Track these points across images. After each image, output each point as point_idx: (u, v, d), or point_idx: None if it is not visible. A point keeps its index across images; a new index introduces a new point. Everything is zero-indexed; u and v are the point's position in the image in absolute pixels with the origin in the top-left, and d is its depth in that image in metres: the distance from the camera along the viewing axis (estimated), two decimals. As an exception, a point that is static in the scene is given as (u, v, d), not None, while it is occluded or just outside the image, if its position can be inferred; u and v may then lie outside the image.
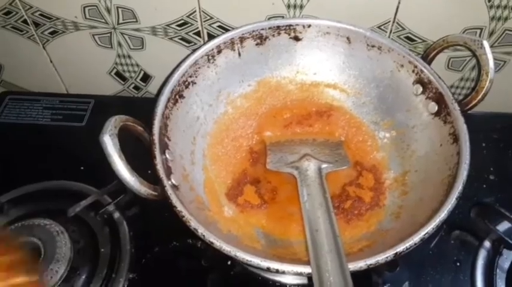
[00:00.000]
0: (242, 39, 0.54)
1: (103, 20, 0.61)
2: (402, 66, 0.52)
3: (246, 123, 0.57)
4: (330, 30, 0.54)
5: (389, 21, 0.57)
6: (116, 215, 0.56)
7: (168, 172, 0.43)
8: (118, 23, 0.62)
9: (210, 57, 0.53)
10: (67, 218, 0.53)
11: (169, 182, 0.41)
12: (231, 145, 0.55)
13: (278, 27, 0.54)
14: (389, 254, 0.37)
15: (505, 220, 0.52)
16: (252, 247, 0.44)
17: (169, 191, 0.40)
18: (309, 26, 0.54)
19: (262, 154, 0.55)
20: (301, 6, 0.56)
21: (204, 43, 0.54)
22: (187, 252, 0.53)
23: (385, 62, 0.53)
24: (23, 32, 0.65)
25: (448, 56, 0.61)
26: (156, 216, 0.53)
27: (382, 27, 0.58)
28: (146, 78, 0.71)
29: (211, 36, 0.61)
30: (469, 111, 0.49)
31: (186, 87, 0.51)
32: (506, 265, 0.51)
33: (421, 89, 0.51)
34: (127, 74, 0.70)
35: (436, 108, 0.49)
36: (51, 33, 0.65)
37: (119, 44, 0.65)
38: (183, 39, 0.63)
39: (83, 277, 0.50)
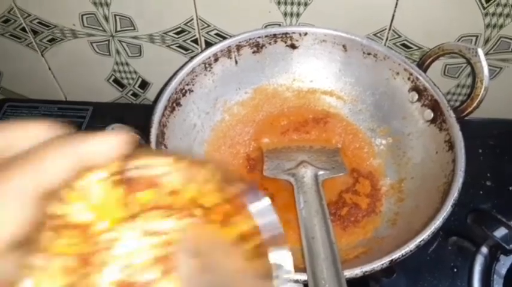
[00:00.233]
0: (239, 47, 0.54)
1: (101, 28, 0.62)
2: (398, 73, 0.52)
3: (243, 130, 0.57)
4: (326, 38, 0.55)
5: (385, 29, 0.58)
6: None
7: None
8: (116, 31, 0.62)
9: (207, 65, 0.53)
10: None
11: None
12: (228, 152, 0.55)
13: (275, 35, 0.55)
14: (385, 261, 0.38)
15: (501, 225, 0.52)
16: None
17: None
18: (306, 34, 0.55)
19: (259, 161, 0.55)
20: (298, 14, 0.57)
21: (201, 51, 0.55)
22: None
23: (381, 70, 0.53)
24: (21, 39, 0.65)
25: (444, 63, 0.62)
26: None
27: (378, 34, 0.58)
28: (144, 85, 0.71)
29: (208, 44, 0.62)
30: (465, 118, 0.49)
31: (183, 95, 0.51)
32: (503, 271, 0.51)
33: (416, 96, 0.51)
34: (125, 81, 0.71)
35: (432, 115, 0.49)
36: (50, 40, 0.65)
37: (117, 52, 0.65)
38: (180, 46, 0.63)
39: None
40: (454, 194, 0.41)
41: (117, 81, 0.71)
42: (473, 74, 0.50)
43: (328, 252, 0.39)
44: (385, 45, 0.59)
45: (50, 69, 0.70)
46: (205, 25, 0.59)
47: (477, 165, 0.61)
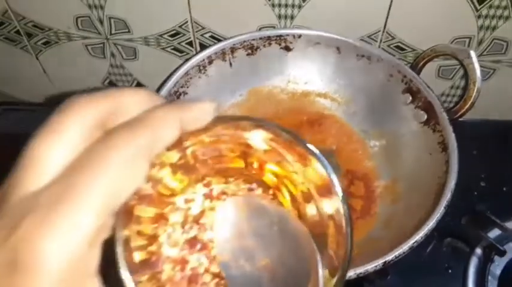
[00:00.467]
0: (233, 49, 0.54)
1: (96, 31, 0.62)
2: (391, 75, 0.53)
3: (238, 132, 0.57)
4: (320, 40, 0.55)
5: (379, 31, 0.58)
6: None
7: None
8: (111, 34, 0.62)
9: (201, 68, 0.53)
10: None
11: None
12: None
13: (269, 37, 0.55)
14: (378, 263, 0.38)
15: (496, 227, 0.53)
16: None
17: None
18: (300, 36, 0.55)
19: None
20: (292, 17, 0.57)
21: (196, 53, 0.55)
22: None
23: (375, 72, 0.54)
24: (16, 42, 0.65)
25: (438, 64, 0.62)
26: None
27: (372, 36, 0.59)
28: (139, 87, 0.71)
29: (203, 46, 0.62)
30: (460, 119, 0.50)
31: (178, 97, 0.51)
32: (498, 272, 0.51)
33: (410, 98, 0.51)
34: (120, 84, 0.71)
35: (425, 117, 0.50)
36: (44, 43, 0.65)
37: (112, 54, 0.65)
38: (175, 49, 0.63)
39: None
40: (447, 196, 0.41)
41: (112, 84, 0.71)
42: (466, 75, 0.50)
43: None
44: (379, 47, 0.59)
45: (45, 72, 0.70)
46: (200, 28, 0.60)
47: (472, 166, 0.61)
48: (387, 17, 0.56)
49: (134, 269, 0.21)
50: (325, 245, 0.23)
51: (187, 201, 0.25)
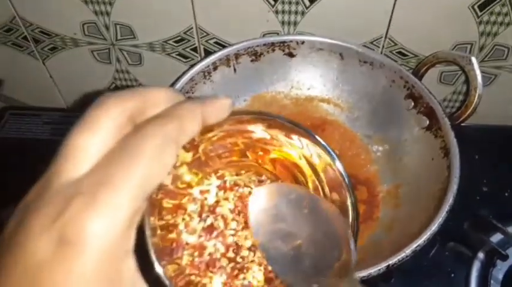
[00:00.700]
0: (237, 55, 0.55)
1: (102, 37, 0.63)
2: (394, 81, 0.53)
3: (242, 137, 0.57)
4: (323, 46, 0.56)
5: (381, 37, 0.59)
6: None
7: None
8: (116, 40, 0.63)
9: (206, 74, 0.54)
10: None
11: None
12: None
13: (272, 43, 0.56)
14: (381, 266, 0.38)
15: (498, 231, 0.53)
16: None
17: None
18: (303, 42, 0.56)
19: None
20: (295, 23, 0.58)
21: (201, 59, 0.56)
22: None
23: (377, 78, 0.54)
24: (23, 48, 0.66)
25: (440, 70, 0.63)
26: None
27: (374, 42, 0.59)
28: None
29: (208, 52, 0.63)
30: (462, 124, 0.50)
31: (183, 103, 0.52)
32: (500, 276, 0.51)
33: (412, 103, 0.52)
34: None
35: (427, 122, 0.50)
36: (51, 49, 0.66)
37: (118, 60, 0.66)
38: (180, 55, 0.64)
39: None
40: (449, 200, 0.42)
41: (118, 89, 0.72)
42: (467, 81, 0.50)
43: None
44: (381, 53, 0.60)
45: (51, 77, 0.71)
46: (205, 34, 0.60)
47: (474, 171, 0.61)
48: (389, 23, 0.57)
49: (159, 254, 0.23)
50: None
51: (202, 192, 0.28)
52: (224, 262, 0.27)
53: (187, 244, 0.27)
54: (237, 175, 0.29)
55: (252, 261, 0.28)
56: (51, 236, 0.17)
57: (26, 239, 0.18)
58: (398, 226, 0.47)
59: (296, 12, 0.56)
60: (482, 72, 0.49)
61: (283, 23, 0.58)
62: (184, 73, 0.52)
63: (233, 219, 0.28)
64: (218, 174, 0.29)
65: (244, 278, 0.27)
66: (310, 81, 0.58)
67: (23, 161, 0.65)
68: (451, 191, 0.42)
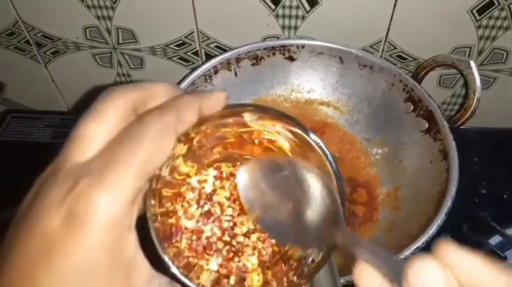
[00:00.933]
0: (238, 59, 0.56)
1: (103, 41, 0.63)
2: (393, 85, 0.54)
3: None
4: (323, 50, 0.56)
5: (381, 41, 0.59)
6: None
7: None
8: (118, 43, 0.63)
9: (207, 77, 0.54)
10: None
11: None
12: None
13: (273, 47, 0.56)
14: (380, 268, 0.38)
15: (496, 233, 0.53)
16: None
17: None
18: (303, 46, 0.56)
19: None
20: (296, 27, 0.58)
21: (202, 63, 0.56)
22: None
23: (377, 81, 0.55)
24: (25, 52, 0.67)
25: (439, 73, 0.63)
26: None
27: (374, 46, 0.60)
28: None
29: (209, 56, 0.63)
30: (461, 127, 0.51)
31: (184, 106, 0.52)
32: (499, 278, 0.51)
33: (411, 107, 0.52)
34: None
35: (426, 125, 0.51)
36: (53, 53, 0.66)
37: (119, 64, 0.67)
38: (181, 58, 0.65)
39: None
40: (448, 203, 0.42)
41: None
42: (466, 85, 0.51)
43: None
44: (381, 56, 0.60)
45: (53, 80, 0.71)
46: (206, 38, 0.61)
47: (472, 173, 0.62)
48: (389, 27, 0.57)
49: (160, 238, 0.24)
50: None
51: (200, 181, 0.30)
52: (220, 245, 0.29)
53: (186, 228, 0.29)
54: (232, 165, 0.31)
55: (247, 245, 0.30)
56: (62, 211, 0.19)
57: (39, 215, 0.20)
58: (398, 228, 0.48)
59: (296, 17, 0.57)
60: (481, 75, 0.50)
61: (283, 27, 0.58)
62: (185, 77, 0.53)
63: (229, 206, 0.30)
64: (215, 165, 0.31)
65: (239, 261, 0.29)
66: (310, 84, 0.59)
67: (24, 164, 0.66)
68: (450, 194, 0.43)
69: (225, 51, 0.58)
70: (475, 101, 0.49)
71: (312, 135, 0.27)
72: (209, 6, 0.57)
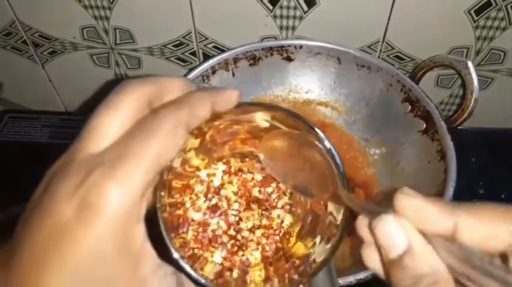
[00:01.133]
0: (236, 60, 0.56)
1: (101, 41, 0.63)
2: (391, 85, 0.54)
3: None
4: (321, 50, 0.56)
5: (379, 41, 0.59)
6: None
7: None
8: (115, 44, 0.63)
9: (205, 78, 0.54)
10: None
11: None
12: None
13: (271, 48, 0.56)
14: (378, 269, 0.38)
15: (494, 234, 0.53)
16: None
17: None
18: (301, 46, 0.56)
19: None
20: (293, 28, 0.58)
21: (200, 63, 0.56)
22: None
23: (374, 81, 0.55)
24: (22, 52, 0.67)
25: (437, 73, 0.63)
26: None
27: (372, 46, 0.60)
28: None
29: (206, 56, 0.63)
30: (459, 127, 0.51)
31: (182, 106, 0.52)
32: (496, 279, 0.51)
33: (409, 107, 0.52)
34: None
35: (424, 126, 0.51)
36: (50, 53, 0.66)
37: (117, 64, 0.67)
38: (179, 59, 0.65)
39: None
40: (446, 203, 0.42)
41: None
42: (464, 85, 0.51)
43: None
44: (379, 57, 0.60)
45: (50, 81, 0.71)
46: (203, 38, 0.61)
47: (470, 173, 0.62)
48: (386, 28, 0.57)
49: (167, 228, 0.25)
50: None
51: (209, 175, 0.30)
52: (225, 238, 0.30)
53: (192, 220, 0.29)
54: (241, 161, 0.32)
55: (251, 240, 0.30)
56: (74, 201, 0.20)
57: (52, 204, 0.20)
58: (396, 228, 0.48)
59: (294, 17, 0.57)
60: (478, 76, 0.50)
61: (281, 27, 0.58)
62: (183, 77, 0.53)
63: (236, 201, 0.31)
64: (224, 160, 0.31)
65: (242, 255, 0.30)
66: (308, 85, 0.59)
67: (22, 164, 0.66)
68: (448, 194, 0.43)
69: (222, 51, 0.58)
70: (472, 101, 0.49)
71: (318, 132, 0.28)
72: (207, 6, 0.57)
